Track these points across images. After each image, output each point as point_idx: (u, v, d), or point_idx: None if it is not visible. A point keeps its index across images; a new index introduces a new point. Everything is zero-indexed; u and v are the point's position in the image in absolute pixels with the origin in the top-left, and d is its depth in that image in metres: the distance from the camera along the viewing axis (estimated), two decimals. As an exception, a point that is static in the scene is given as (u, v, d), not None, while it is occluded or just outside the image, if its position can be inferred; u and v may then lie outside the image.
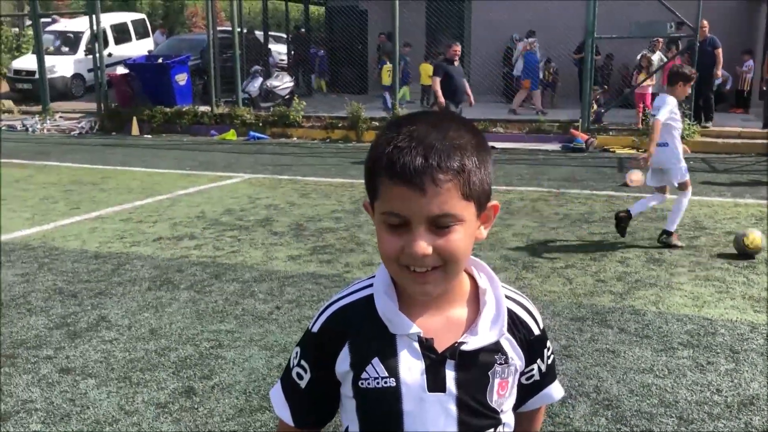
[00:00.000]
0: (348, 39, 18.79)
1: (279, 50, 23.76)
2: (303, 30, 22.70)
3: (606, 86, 16.24)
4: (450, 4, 17.93)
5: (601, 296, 5.01)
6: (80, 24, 21.39)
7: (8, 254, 6.10)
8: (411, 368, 1.19)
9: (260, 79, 16.47)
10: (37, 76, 17.94)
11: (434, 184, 1.08)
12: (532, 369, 1.31)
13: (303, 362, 1.28)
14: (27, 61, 20.58)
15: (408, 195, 1.08)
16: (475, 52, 17.63)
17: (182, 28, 35.00)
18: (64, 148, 13.31)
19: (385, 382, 1.19)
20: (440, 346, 1.20)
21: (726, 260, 5.82)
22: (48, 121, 16.78)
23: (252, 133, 14.73)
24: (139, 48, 22.03)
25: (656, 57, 13.99)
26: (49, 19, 22.29)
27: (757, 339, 4.26)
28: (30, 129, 16.26)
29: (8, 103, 18.87)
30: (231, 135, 14.79)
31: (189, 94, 16.74)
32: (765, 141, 12.38)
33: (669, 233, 6.24)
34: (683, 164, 6.19)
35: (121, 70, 17.13)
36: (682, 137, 6.75)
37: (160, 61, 16.91)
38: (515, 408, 1.31)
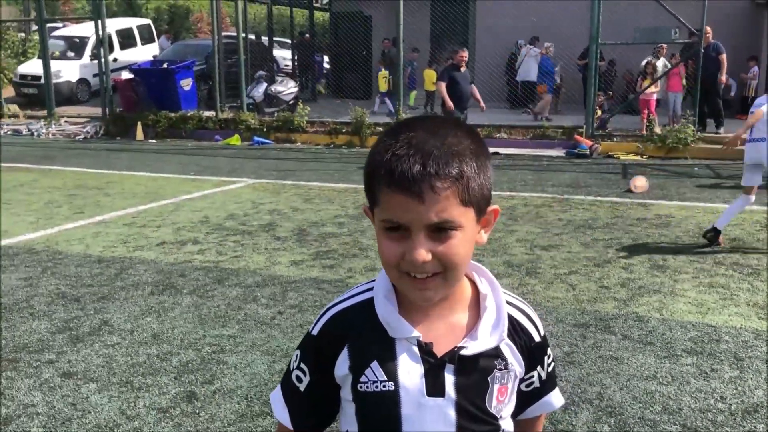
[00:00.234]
0: (352, 44, 18.85)
1: (284, 56, 23.86)
2: (307, 35, 22.78)
3: (610, 92, 16.23)
4: (454, 10, 17.96)
5: (605, 303, 4.99)
6: (86, 29, 21.51)
7: (12, 258, 6.11)
8: (410, 372, 1.19)
9: (265, 85, 16.53)
10: (42, 80, 18.02)
11: (432, 191, 1.08)
12: (532, 376, 1.31)
13: (303, 365, 1.28)
14: (33, 66, 20.69)
15: (406, 203, 1.08)
16: (480, 58, 17.66)
17: (187, 34, 35.21)
18: (69, 153, 13.36)
19: (384, 386, 1.19)
20: (440, 350, 1.19)
21: (730, 267, 5.80)
22: (53, 126, 16.86)
23: (256, 138, 14.77)
24: (144, 53, 22.13)
25: (660, 63, 13.98)
26: (59, 24, 22.36)
27: (762, 346, 4.24)
28: (35, 133, 16.34)
29: (14, 108, 18.95)
30: (235, 140, 14.82)
31: (194, 99, 16.80)
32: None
33: (718, 232, 6.24)
34: None
35: (126, 75, 17.20)
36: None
37: (165, 66, 16.99)
38: (515, 415, 1.31)
